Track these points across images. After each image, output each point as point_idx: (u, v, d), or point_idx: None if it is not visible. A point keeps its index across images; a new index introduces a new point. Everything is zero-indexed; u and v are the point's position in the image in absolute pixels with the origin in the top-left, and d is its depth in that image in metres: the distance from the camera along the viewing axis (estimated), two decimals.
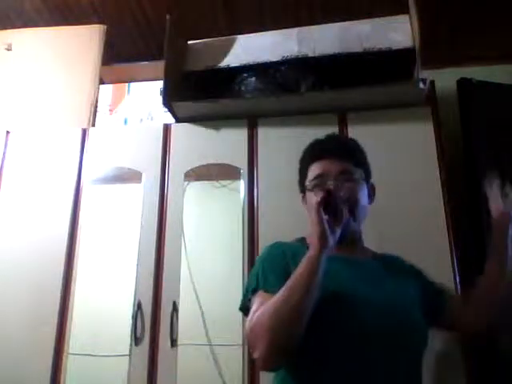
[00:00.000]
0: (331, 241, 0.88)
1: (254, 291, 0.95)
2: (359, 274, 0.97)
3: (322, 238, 0.87)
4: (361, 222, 1.04)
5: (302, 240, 1.06)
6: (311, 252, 0.87)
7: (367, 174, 1.08)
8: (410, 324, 0.92)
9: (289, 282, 0.86)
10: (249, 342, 0.89)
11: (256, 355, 0.85)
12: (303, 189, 1.08)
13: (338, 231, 0.91)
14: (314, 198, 0.99)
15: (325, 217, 0.89)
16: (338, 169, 1.01)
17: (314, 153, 1.07)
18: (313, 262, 0.86)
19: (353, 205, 0.98)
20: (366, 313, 0.89)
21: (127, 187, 1.96)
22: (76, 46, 2.05)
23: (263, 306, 0.87)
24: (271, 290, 0.90)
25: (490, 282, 1.05)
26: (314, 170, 1.04)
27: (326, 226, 0.88)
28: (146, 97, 2.08)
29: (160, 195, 1.73)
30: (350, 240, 1.02)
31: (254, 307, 0.90)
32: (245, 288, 1.02)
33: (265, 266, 0.98)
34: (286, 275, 0.88)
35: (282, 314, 0.83)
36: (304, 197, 1.09)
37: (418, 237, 1.49)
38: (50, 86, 2.01)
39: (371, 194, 1.10)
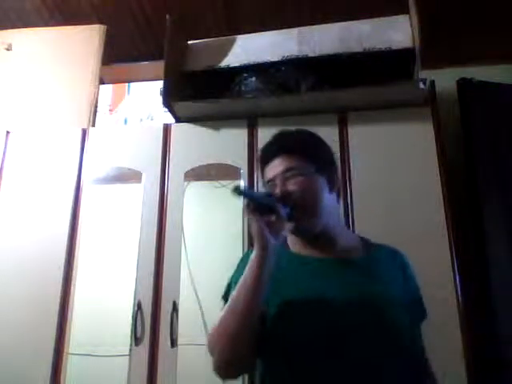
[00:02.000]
0: (272, 241, 0.84)
1: (224, 300, 0.96)
2: (327, 273, 0.93)
3: (259, 239, 0.84)
4: (329, 217, 0.96)
5: (284, 243, 1.01)
6: (251, 257, 0.85)
7: (322, 166, 0.97)
8: (386, 322, 0.89)
9: (234, 292, 0.85)
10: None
11: (212, 366, 0.85)
12: None
13: (283, 230, 0.87)
14: None
15: (259, 218, 0.85)
16: (282, 168, 0.94)
17: (262, 158, 1.01)
18: (253, 267, 0.84)
19: (305, 200, 0.92)
20: (332, 314, 0.87)
21: (127, 187, 1.96)
22: (76, 46, 2.05)
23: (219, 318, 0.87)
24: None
25: None
26: (266, 176, 0.99)
27: (261, 226, 0.84)
28: (146, 97, 2.08)
29: (160, 195, 1.73)
30: (324, 238, 0.96)
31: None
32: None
33: (233, 275, 0.98)
34: None
35: (229, 327, 0.83)
36: None
37: (417, 237, 1.49)
38: (50, 86, 2.01)
39: (332, 186, 0.98)
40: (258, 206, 0.86)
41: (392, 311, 0.90)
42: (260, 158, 1.01)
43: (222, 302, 0.96)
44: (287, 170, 0.94)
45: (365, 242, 1.03)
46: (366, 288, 0.91)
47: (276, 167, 0.95)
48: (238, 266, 0.99)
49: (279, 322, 0.87)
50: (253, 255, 0.85)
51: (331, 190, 0.98)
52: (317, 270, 0.94)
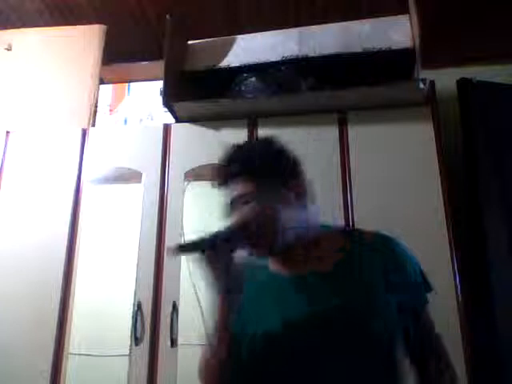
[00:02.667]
0: (222, 285, 0.85)
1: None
2: (290, 294, 0.90)
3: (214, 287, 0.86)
4: (295, 229, 0.91)
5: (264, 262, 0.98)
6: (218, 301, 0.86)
7: (279, 179, 0.92)
8: (355, 337, 0.84)
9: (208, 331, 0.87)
10: None
11: None
12: None
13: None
14: None
15: (217, 264, 0.85)
16: (236, 193, 0.90)
17: (218, 184, 0.96)
18: (220, 311, 0.85)
19: (263, 223, 0.88)
20: (296, 339, 0.85)
21: (127, 187, 1.96)
22: (76, 46, 2.05)
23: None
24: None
25: None
26: (231, 190, 0.93)
27: (218, 273, 0.85)
28: (146, 97, 2.08)
29: (160, 195, 1.73)
30: (292, 253, 0.92)
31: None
32: None
33: None
34: None
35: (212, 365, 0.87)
36: None
37: (417, 237, 1.49)
38: (50, 86, 2.01)
39: (299, 197, 0.93)
40: (215, 253, 0.84)
41: (361, 322, 0.85)
42: (218, 177, 0.96)
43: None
44: (239, 196, 0.90)
45: (348, 238, 0.96)
46: (330, 305, 0.86)
47: (233, 191, 0.91)
48: None
49: (242, 349, 0.86)
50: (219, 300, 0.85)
51: (297, 200, 0.93)
52: (281, 291, 0.91)
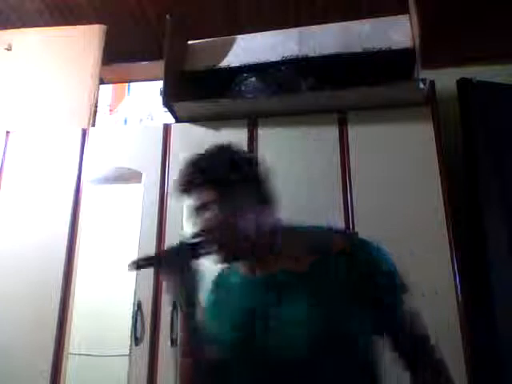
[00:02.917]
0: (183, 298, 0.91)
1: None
2: (260, 292, 0.92)
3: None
4: (260, 234, 0.93)
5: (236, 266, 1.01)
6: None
7: (242, 186, 0.93)
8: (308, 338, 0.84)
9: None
10: None
11: None
12: None
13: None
14: None
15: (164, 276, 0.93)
16: (199, 202, 0.92)
17: (180, 192, 0.97)
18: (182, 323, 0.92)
19: (226, 230, 0.90)
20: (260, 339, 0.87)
21: (127, 187, 1.96)
22: (76, 46, 2.05)
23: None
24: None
25: None
26: (190, 202, 0.96)
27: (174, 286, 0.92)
28: (146, 97, 2.08)
29: (160, 195, 1.73)
30: (259, 257, 0.94)
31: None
32: None
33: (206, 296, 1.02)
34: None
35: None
36: None
37: (417, 237, 1.49)
38: (50, 86, 2.01)
39: (263, 201, 0.95)
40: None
41: (336, 323, 0.84)
42: (180, 186, 0.96)
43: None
44: (205, 203, 0.91)
45: (319, 244, 0.94)
46: (304, 304, 0.86)
47: (196, 200, 0.93)
48: (212, 287, 1.03)
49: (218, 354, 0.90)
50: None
51: (261, 205, 0.94)
52: (251, 293, 0.94)
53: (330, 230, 0.98)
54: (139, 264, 0.92)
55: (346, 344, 0.84)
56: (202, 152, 0.96)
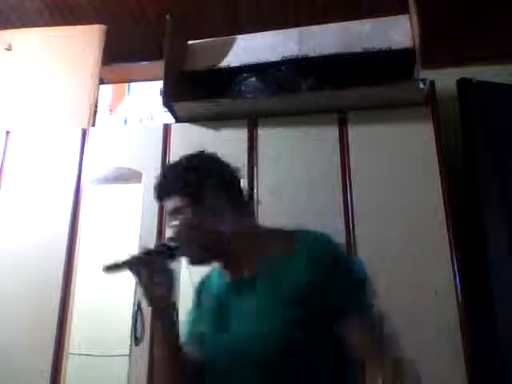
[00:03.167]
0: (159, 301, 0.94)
1: None
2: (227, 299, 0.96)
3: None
4: (234, 236, 0.95)
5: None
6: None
7: (213, 191, 0.96)
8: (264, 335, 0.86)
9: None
10: None
11: None
12: None
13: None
14: None
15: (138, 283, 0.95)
16: (170, 208, 0.97)
17: (156, 199, 1.02)
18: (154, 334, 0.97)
19: (197, 234, 0.94)
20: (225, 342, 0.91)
21: (127, 187, 1.96)
22: (76, 46, 2.05)
23: None
24: None
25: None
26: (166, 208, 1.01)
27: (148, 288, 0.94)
28: (146, 97, 2.08)
29: None
30: (232, 260, 0.97)
31: None
32: None
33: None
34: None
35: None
36: None
37: (417, 237, 1.49)
38: (50, 86, 2.01)
39: (236, 204, 0.98)
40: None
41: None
42: (155, 194, 1.01)
43: None
44: (172, 212, 0.96)
45: (292, 239, 0.93)
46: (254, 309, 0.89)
47: (169, 206, 0.97)
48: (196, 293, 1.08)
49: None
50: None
51: (234, 209, 0.96)
52: (226, 297, 0.96)
53: (298, 231, 0.96)
54: (112, 267, 0.97)
55: (296, 343, 0.84)
56: (179, 159, 1.04)
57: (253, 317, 0.88)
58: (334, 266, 0.86)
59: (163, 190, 0.98)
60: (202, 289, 1.08)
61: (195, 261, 0.96)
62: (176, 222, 0.95)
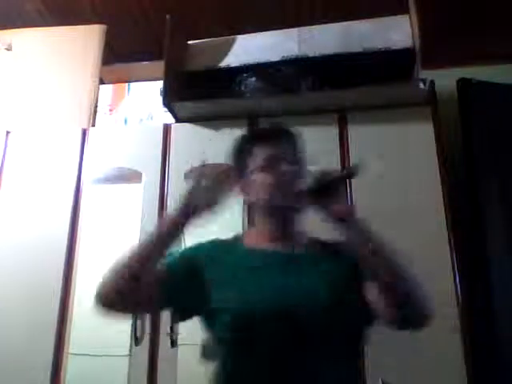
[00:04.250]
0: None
1: None
2: (288, 268, 0.93)
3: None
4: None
5: (237, 237, 1.04)
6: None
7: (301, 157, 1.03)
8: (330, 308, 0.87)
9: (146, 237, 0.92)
10: None
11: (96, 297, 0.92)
12: (244, 174, 1.02)
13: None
14: (266, 176, 0.97)
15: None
16: (289, 152, 0.99)
17: (254, 138, 1.05)
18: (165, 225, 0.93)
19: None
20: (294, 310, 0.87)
21: (127, 187, 1.96)
22: (76, 45, 2.05)
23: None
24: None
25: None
26: (264, 151, 0.99)
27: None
28: (146, 97, 2.08)
29: (160, 195, 1.73)
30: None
31: None
32: None
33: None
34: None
35: (127, 262, 0.89)
36: (244, 182, 1.02)
37: (417, 237, 1.49)
38: (50, 86, 2.01)
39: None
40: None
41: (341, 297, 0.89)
42: (250, 138, 1.05)
43: None
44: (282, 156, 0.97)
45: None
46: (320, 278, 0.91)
47: (274, 149, 0.99)
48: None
49: (241, 319, 0.87)
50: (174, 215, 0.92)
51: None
52: (279, 265, 0.94)
53: None
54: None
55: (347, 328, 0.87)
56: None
57: (321, 288, 0.88)
58: None
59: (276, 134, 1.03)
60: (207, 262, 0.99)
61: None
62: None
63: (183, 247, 1.01)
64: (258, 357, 0.86)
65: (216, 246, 1.03)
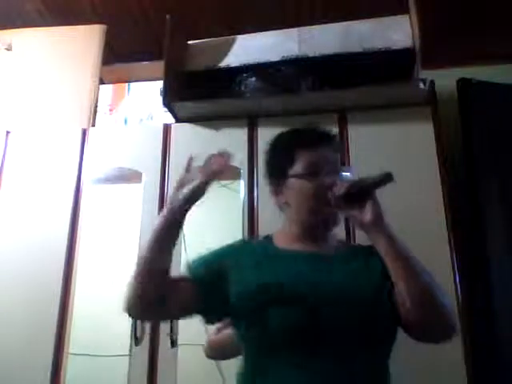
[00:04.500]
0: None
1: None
2: (317, 268, 0.94)
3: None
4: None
5: (268, 237, 1.04)
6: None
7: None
8: (367, 312, 0.88)
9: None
10: None
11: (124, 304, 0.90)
12: (281, 176, 1.02)
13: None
14: (306, 184, 0.97)
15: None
16: (330, 159, 1.02)
17: (302, 140, 1.06)
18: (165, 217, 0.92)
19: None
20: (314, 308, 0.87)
21: (127, 187, 1.96)
22: (76, 45, 2.05)
23: None
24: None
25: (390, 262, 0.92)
26: (306, 158, 1.00)
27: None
28: (146, 97, 2.08)
29: (160, 195, 1.73)
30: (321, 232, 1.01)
31: None
32: None
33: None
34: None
35: (144, 264, 0.90)
36: (280, 184, 1.02)
37: (417, 237, 1.49)
38: (50, 86, 2.01)
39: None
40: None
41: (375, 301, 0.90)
42: (297, 139, 1.07)
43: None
44: (333, 162, 1.02)
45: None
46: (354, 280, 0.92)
47: (322, 154, 1.01)
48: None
49: (261, 313, 0.87)
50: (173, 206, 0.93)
51: None
52: (310, 264, 0.94)
53: None
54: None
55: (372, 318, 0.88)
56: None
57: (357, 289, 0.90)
58: None
59: (326, 140, 1.06)
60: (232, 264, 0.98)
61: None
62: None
63: (207, 252, 1.01)
64: (288, 350, 0.86)
65: (246, 246, 1.05)
